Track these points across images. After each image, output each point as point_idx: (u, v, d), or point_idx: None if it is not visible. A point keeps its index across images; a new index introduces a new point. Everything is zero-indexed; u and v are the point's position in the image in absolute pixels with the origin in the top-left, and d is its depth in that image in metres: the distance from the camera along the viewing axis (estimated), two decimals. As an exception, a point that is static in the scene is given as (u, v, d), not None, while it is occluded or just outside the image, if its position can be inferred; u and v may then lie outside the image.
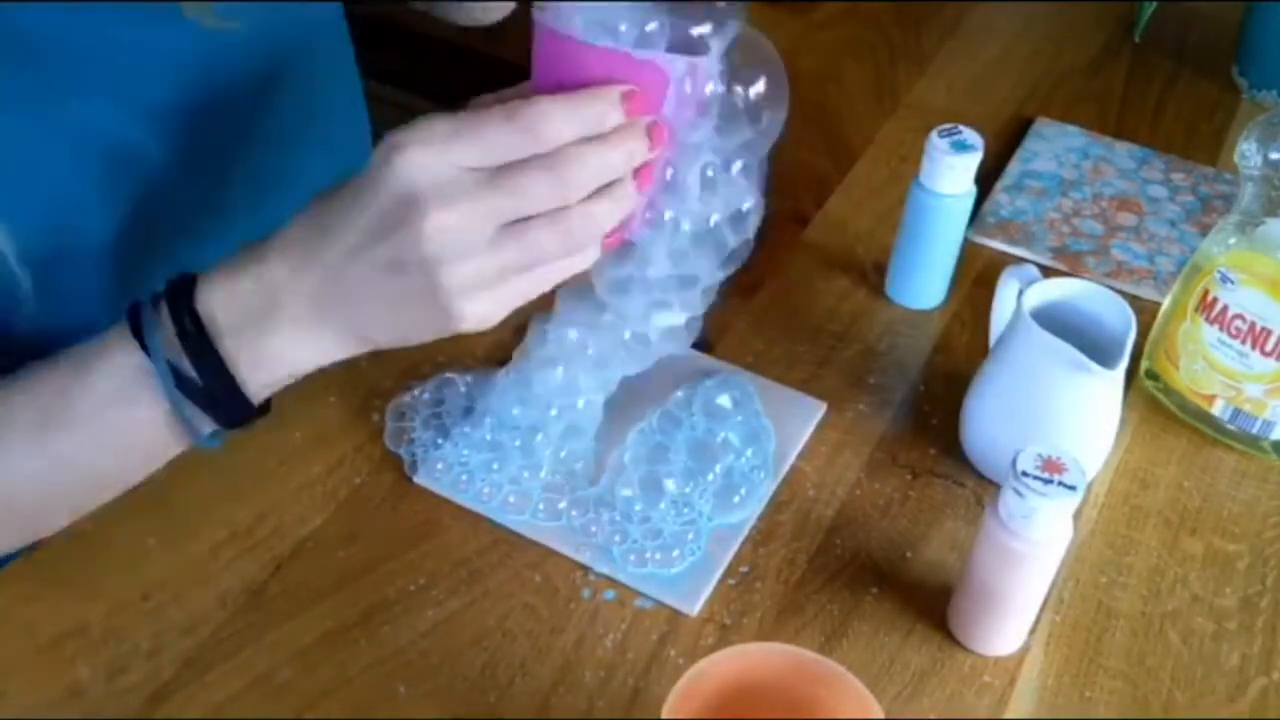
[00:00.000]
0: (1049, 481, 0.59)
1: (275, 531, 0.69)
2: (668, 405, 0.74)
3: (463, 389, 0.75)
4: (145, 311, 0.55)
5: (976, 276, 0.88)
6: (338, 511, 0.70)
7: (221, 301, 0.55)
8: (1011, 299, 0.72)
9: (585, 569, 0.68)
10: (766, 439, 0.74)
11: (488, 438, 0.72)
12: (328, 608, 0.66)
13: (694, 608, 0.66)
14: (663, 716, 0.51)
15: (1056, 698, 0.64)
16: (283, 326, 0.55)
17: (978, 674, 0.65)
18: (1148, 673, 0.65)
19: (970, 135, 0.80)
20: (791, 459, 0.74)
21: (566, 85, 0.53)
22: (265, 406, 0.58)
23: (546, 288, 0.56)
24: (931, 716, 0.63)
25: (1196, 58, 1.14)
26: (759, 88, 0.58)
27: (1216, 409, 0.77)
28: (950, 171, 0.80)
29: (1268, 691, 0.65)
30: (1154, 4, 1.13)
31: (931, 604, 0.67)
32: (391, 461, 0.73)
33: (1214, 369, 0.76)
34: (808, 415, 0.77)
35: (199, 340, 0.55)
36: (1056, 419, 0.69)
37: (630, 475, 0.70)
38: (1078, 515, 0.73)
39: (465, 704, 0.62)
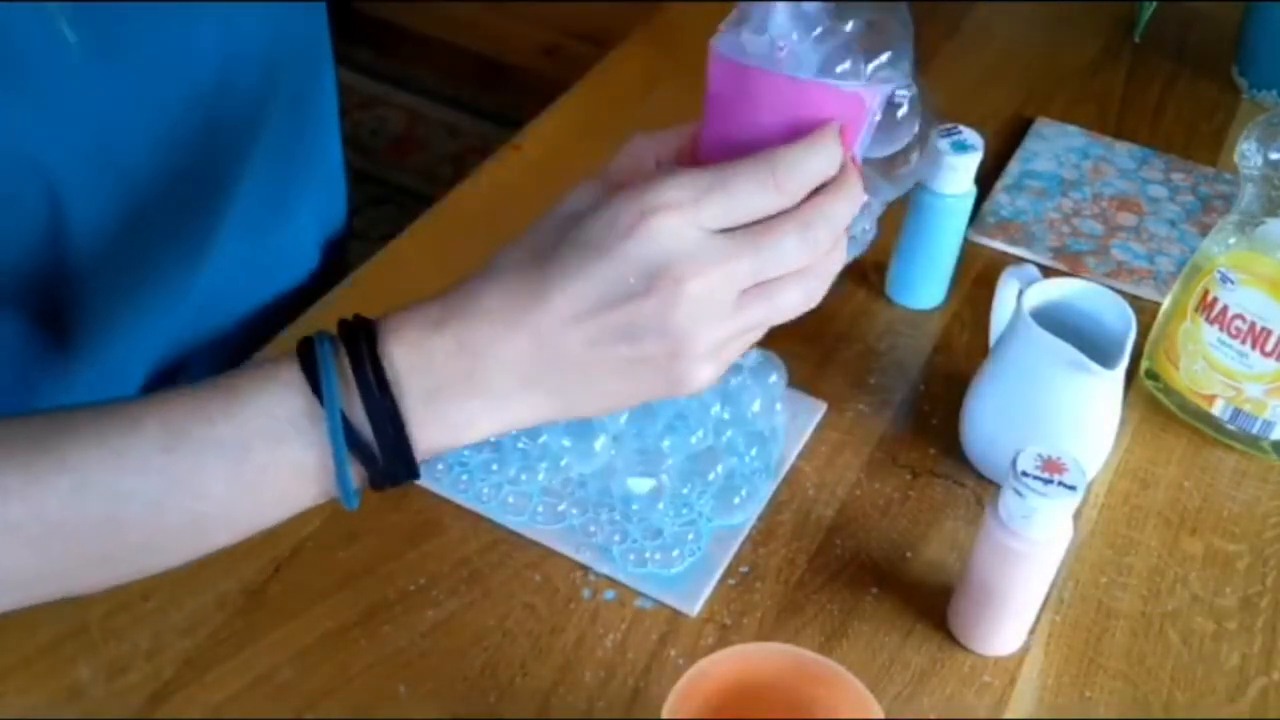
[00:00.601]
0: (1049, 481, 0.59)
1: (275, 532, 0.68)
2: (671, 405, 0.74)
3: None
4: (320, 350, 0.50)
5: (976, 276, 0.88)
6: (338, 511, 0.70)
7: (411, 359, 0.49)
8: (1011, 299, 0.72)
9: (585, 569, 0.68)
10: (772, 442, 0.74)
11: (489, 438, 0.72)
12: (328, 608, 0.66)
13: (694, 608, 0.66)
14: (663, 716, 0.51)
15: (1056, 698, 0.64)
16: (478, 395, 0.50)
17: (978, 674, 0.65)
18: (1148, 673, 0.65)
19: (970, 135, 0.80)
20: (791, 459, 0.74)
21: (766, 125, 0.50)
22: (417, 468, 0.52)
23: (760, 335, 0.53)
24: (931, 716, 0.63)
25: (1196, 58, 1.14)
26: (904, 109, 0.54)
27: (1216, 409, 0.77)
28: (950, 171, 0.80)
29: (1268, 691, 0.65)
30: (1154, 4, 1.13)
31: (931, 604, 0.67)
32: (391, 461, 0.73)
33: (1214, 369, 0.76)
34: (808, 415, 0.77)
35: (381, 397, 0.49)
36: (1056, 419, 0.69)
37: (631, 475, 0.70)
38: (1078, 515, 0.73)
39: (465, 704, 0.62)
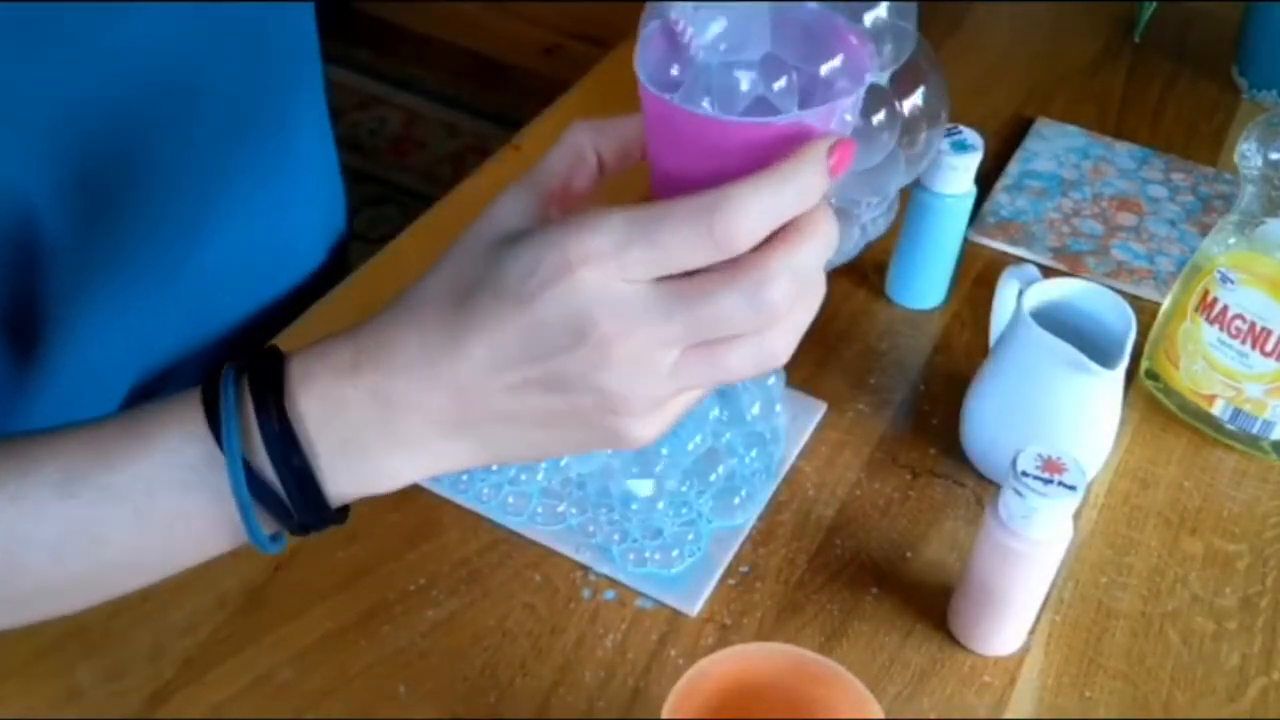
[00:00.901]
0: (1049, 481, 0.59)
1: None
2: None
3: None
4: (224, 397, 0.46)
5: (976, 276, 0.88)
6: (338, 512, 0.70)
7: (322, 411, 0.46)
8: (1011, 299, 0.72)
9: (585, 569, 0.68)
10: (773, 444, 0.74)
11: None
12: (327, 608, 0.66)
13: (694, 608, 0.66)
14: (663, 717, 0.51)
15: (1056, 698, 0.64)
16: (396, 446, 0.47)
17: (978, 674, 0.65)
18: (1148, 673, 0.65)
19: (970, 135, 0.80)
20: (791, 459, 0.75)
21: (703, 164, 0.43)
22: (344, 513, 0.50)
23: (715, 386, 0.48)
24: (931, 717, 0.63)
25: (1196, 58, 1.14)
26: (916, 99, 0.48)
27: (1216, 409, 0.77)
28: (950, 171, 0.80)
29: (1268, 691, 0.65)
30: (1154, 4, 1.13)
31: (931, 604, 0.67)
32: (391, 462, 0.73)
33: (1214, 369, 0.76)
34: (808, 415, 0.77)
35: (287, 450, 0.46)
36: (1056, 419, 0.69)
37: (630, 477, 0.70)
38: (1078, 515, 0.73)
39: (465, 704, 0.62)
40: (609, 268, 0.42)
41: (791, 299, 0.44)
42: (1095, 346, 0.68)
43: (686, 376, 0.45)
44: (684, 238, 0.42)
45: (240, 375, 0.47)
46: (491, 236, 0.47)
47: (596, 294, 0.43)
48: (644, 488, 0.69)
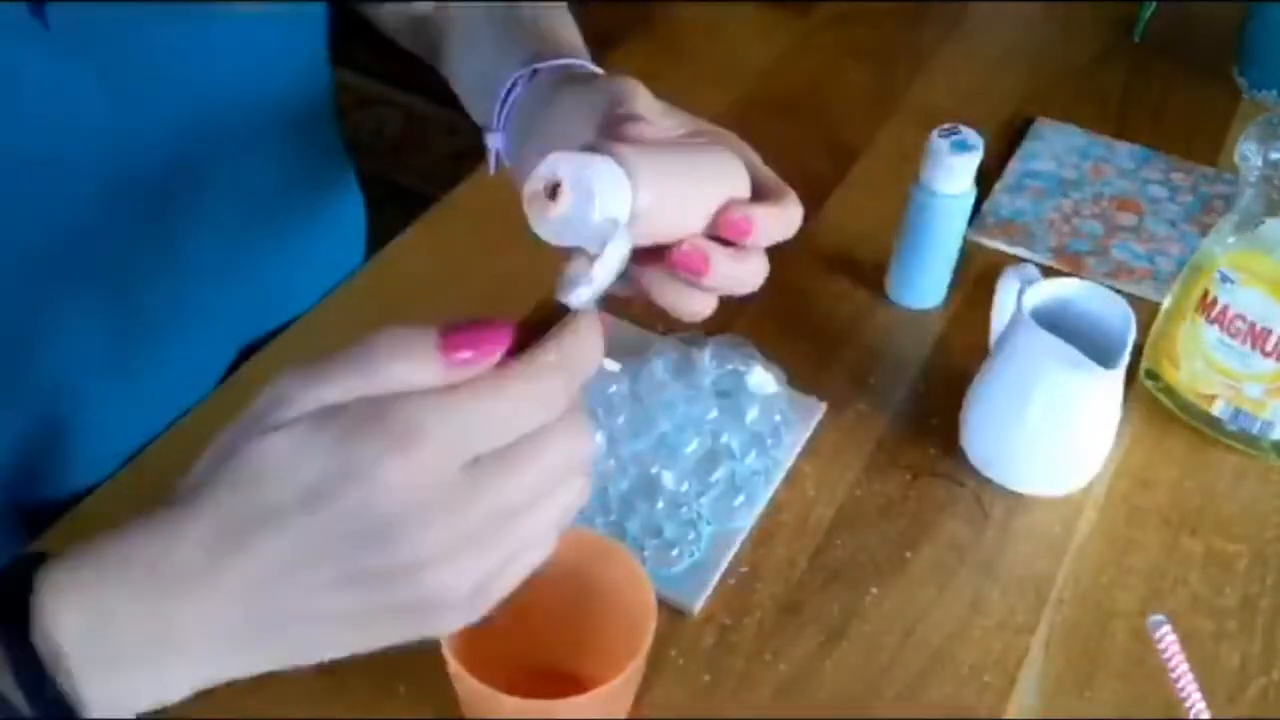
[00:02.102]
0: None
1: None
2: (676, 406, 0.74)
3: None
4: None
5: (976, 276, 0.88)
6: (338, 511, 0.70)
7: (84, 625, 0.40)
8: (1011, 299, 0.72)
9: (585, 569, 0.68)
10: (774, 448, 0.74)
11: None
12: (328, 608, 0.65)
13: (694, 608, 0.66)
14: None
15: (1056, 698, 0.64)
16: (172, 664, 0.42)
17: (978, 674, 0.65)
18: (1148, 673, 0.65)
19: (970, 135, 0.80)
20: (792, 459, 0.74)
21: None
22: None
23: (534, 568, 0.45)
24: (931, 716, 0.63)
25: (1196, 58, 1.14)
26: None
27: (1216, 409, 0.77)
28: (950, 171, 0.79)
29: (1268, 691, 0.65)
30: (1154, 4, 1.13)
31: (932, 604, 0.67)
32: (391, 461, 0.73)
33: (1214, 369, 0.76)
34: (808, 415, 0.77)
35: (38, 679, 0.40)
36: (1057, 419, 0.69)
37: (630, 475, 0.70)
38: (1078, 515, 0.73)
39: (465, 704, 0.62)
40: (409, 460, 0.39)
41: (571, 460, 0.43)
42: (1095, 346, 0.68)
43: (493, 552, 0.42)
44: (475, 419, 0.40)
45: None
46: (270, 424, 0.41)
47: (399, 491, 0.39)
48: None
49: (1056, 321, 0.69)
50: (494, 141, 0.65)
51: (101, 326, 0.74)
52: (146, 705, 0.42)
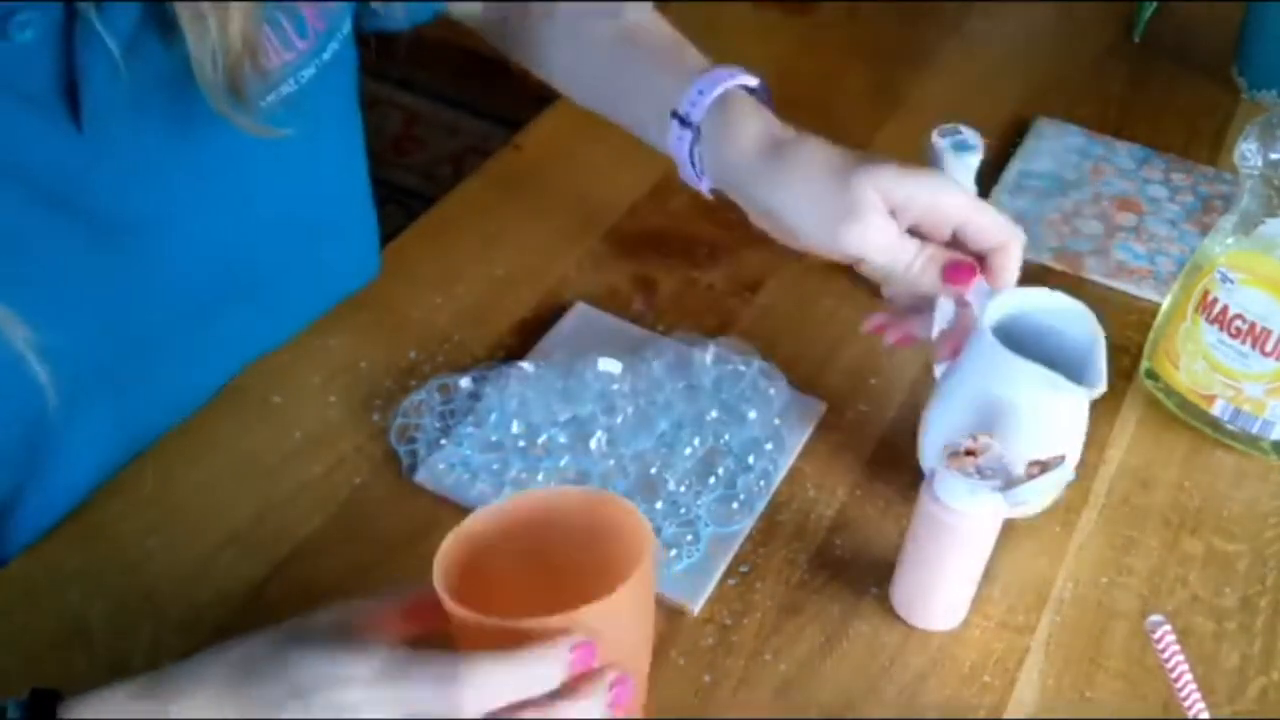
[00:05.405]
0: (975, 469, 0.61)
1: (275, 532, 0.69)
2: (676, 406, 0.74)
3: (466, 386, 0.75)
4: None
5: (976, 276, 0.88)
6: (338, 511, 0.70)
7: None
8: (949, 299, 0.68)
9: (585, 569, 0.68)
10: (777, 448, 0.74)
11: (491, 438, 0.72)
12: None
13: (694, 608, 0.66)
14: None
15: (1056, 698, 0.64)
16: None
17: (978, 674, 0.65)
18: (1148, 673, 0.65)
19: (970, 135, 0.80)
20: (791, 459, 0.74)
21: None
22: None
23: None
24: (931, 717, 0.63)
25: (1196, 58, 1.14)
26: None
27: (1216, 409, 0.77)
28: (950, 171, 0.79)
29: (1267, 691, 0.65)
30: (1154, 4, 1.13)
31: (931, 604, 0.67)
32: (391, 461, 0.73)
33: (1214, 369, 0.76)
34: (808, 415, 0.77)
35: None
36: (1029, 444, 0.63)
37: (630, 475, 0.70)
38: (1078, 515, 0.73)
39: (465, 704, 0.62)
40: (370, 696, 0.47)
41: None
42: (1061, 353, 0.64)
43: None
44: (428, 693, 0.47)
45: None
46: (298, 631, 0.50)
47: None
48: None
49: (1020, 331, 0.65)
50: (704, 186, 0.71)
51: (90, 352, 0.72)
52: None
